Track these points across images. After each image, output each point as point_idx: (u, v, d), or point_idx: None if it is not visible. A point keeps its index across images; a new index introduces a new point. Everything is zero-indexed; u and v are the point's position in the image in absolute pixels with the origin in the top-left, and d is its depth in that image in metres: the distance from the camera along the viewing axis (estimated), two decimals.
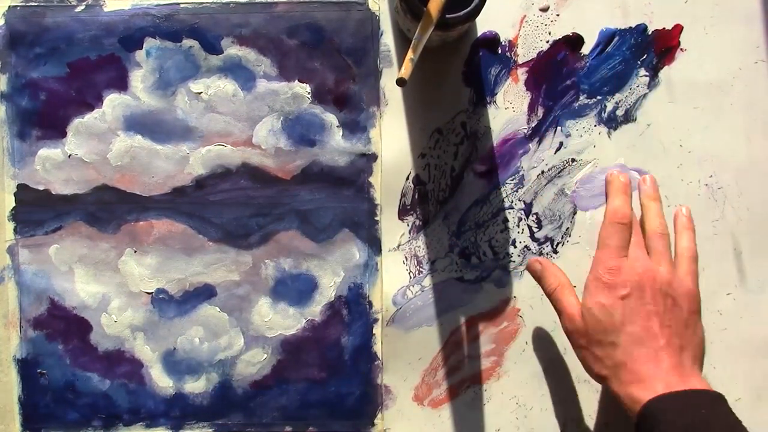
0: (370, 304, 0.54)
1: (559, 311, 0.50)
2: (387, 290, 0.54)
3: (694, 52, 0.54)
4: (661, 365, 0.46)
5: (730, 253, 0.54)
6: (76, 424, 0.53)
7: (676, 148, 0.54)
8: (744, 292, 0.54)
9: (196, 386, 0.54)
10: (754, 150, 0.54)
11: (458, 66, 0.54)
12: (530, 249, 0.54)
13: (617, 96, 0.54)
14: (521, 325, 0.54)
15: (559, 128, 0.54)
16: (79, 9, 0.53)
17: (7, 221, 0.53)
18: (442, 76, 0.54)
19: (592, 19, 0.54)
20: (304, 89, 0.54)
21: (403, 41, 0.54)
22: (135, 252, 0.54)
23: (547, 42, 0.54)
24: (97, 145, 0.53)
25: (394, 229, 0.54)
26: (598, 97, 0.54)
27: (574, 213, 0.54)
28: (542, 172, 0.54)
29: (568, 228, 0.54)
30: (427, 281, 0.54)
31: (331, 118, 0.54)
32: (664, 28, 0.54)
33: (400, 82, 0.44)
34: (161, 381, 0.54)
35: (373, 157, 0.54)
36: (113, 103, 0.53)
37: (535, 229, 0.54)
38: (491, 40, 0.54)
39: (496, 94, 0.54)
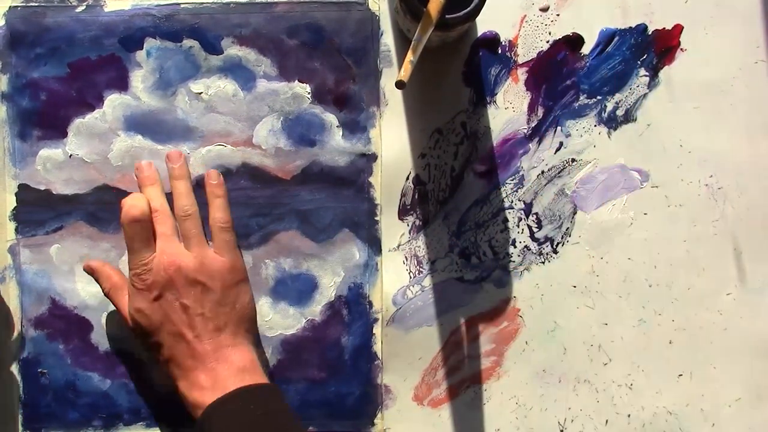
0: (370, 304, 0.54)
1: (119, 313, 0.51)
2: (387, 290, 0.54)
3: (694, 52, 0.54)
4: (202, 359, 0.47)
5: (730, 253, 0.54)
6: (77, 423, 0.54)
7: (676, 148, 0.54)
8: (744, 292, 0.54)
9: None
10: (754, 150, 0.54)
11: (458, 66, 0.54)
12: (530, 249, 0.54)
13: (617, 96, 0.54)
14: (521, 325, 0.55)
15: (559, 128, 0.54)
16: (79, 9, 0.53)
17: (8, 221, 0.53)
18: (442, 76, 0.54)
19: (592, 19, 0.54)
20: (304, 89, 0.54)
21: (403, 41, 0.54)
22: None
23: (547, 42, 0.54)
24: (98, 145, 0.54)
25: (394, 229, 0.54)
26: (598, 97, 0.54)
27: (574, 213, 0.54)
28: (542, 172, 0.54)
29: (568, 228, 0.54)
30: (427, 281, 0.54)
31: (331, 118, 0.54)
32: (664, 28, 0.54)
33: (399, 84, 0.44)
34: (162, 380, 0.54)
35: (373, 157, 0.54)
36: (114, 103, 0.53)
37: (535, 229, 0.54)
38: (491, 40, 0.54)
39: (496, 94, 0.54)
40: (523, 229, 0.54)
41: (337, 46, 0.53)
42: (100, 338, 0.54)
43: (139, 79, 0.53)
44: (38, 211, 0.53)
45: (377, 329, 0.54)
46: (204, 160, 0.54)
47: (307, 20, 0.53)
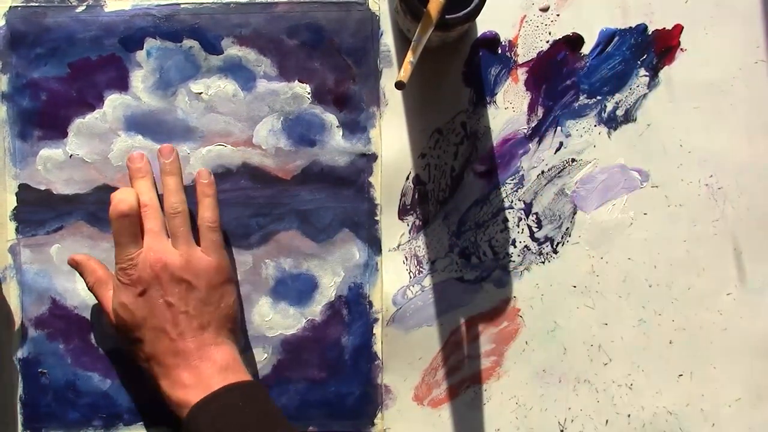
0: (370, 303, 0.54)
1: (103, 307, 0.50)
2: (387, 290, 0.54)
3: (694, 52, 0.54)
4: (185, 357, 0.47)
5: (730, 253, 0.54)
6: (77, 423, 0.54)
7: (676, 148, 0.54)
8: (744, 292, 0.54)
9: None
10: (754, 150, 0.54)
11: (458, 66, 0.54)
12: (530, 249, 0.54)
13: (617, 96, 0.54)
14: (521, 325, 0.55)
15: (559, 128, 0.54)
16: (79, 9, 0.53)
17: (8, 221, 0.53)
18: (441, 77, 0.54)
19: (592, 19, 0.54)
20: (304, 89, 0.54)
21: (403, 41, 0.54)
22: None
23: (547, 42, 0.54)
24: (98, 145, 0.54)
25: (394, 229, 0.54)
26: (598, 97, 0.54)
27: (574, 213, 0.54)
28: (542, 172, 0.54)
29: (568, 228, 0.54)
30: (427, 281, 0.54)
31: (331, 118, 0.54)
32: (664, 28, 0.54)
33: (399, 85, 0.44)
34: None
35: (373, 157, 0.54)
36: (114, 103, 0.54)
37: (535, 229, 0.54)
38: (491, 40, 0.54)
39: (496, 94, 0.54)
40: (523, 229, 0.54)
41: (337, 46, 0.54)
42: (100, 338, 0.54)
43: (140, 79, 0.53)
44: (39, 211, 0.54)
45: (377, 329, 0.54)
46: (204, 160, 0.54)
47: (307, 20, 0.53)
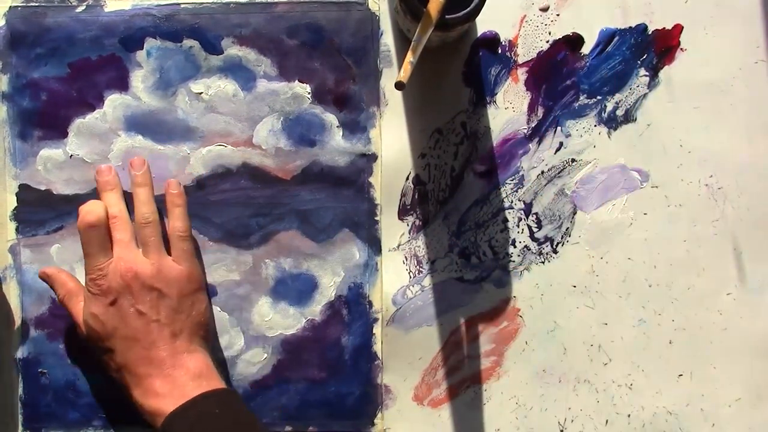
0: (370, 303, 0.54)
1: (74, 319, 0.50)
2: (387, 290, 0.54)
3: (694, 52, 0.54)
4: (158, 365, 0.47)
5: (730, 253, 0.54)
6: (77, 423, 0.54)
7: (676, 148, 0.54)
8: (744, 292, 0.54)
9: None
10: (754, 150, 0.54)
11: (458, 66, 0.54)
12: (530, 249, 0.54)
13: (617, 96, 0.54)
14: (521, 325, 0.55)
15: (559, 128, 0.54)
16: (79, 9, 0.53)
17: (8, 221, 0.53)
18: (441, 77, 0.54)
19: (592, 19, 0.54)
20: (304, 89, 0.54)
21: (403, 41, 0.54)
22: None
23: (547, 42, 0.54)
24: (98, 145, 0.54)
25: (394, 229, 0.54)
26: (598, 97, 0.54)
27: (574, 213, 0.54)
28: (542, 172, 0.54)
29: (567, 228, 0.54)
30: (427, 281, 0.54)
31: (331, 118, 0.54)
32: (664, 28, 0.54)
33: (399, 86, 0.44)
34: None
35: (373, 157, 0.54)
36: (114, 103, 0.54)
37: (534, 229, 0.54)
38: (491, 40, 0.54)
39: (496, 94, 0.54)
40: (523, 229, 0.54)
41: (337, 46, 0.54)
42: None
43: (140, 79, 0.53)
44: (39, 211, 0.54)
45: (377, 329, 0.54)
46: (204, 160, 0.54)
47: (307, 20, 0.53)
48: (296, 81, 0.54)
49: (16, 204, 0.53)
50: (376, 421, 0.54)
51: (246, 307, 0.54)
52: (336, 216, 0.54)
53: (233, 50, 0.54)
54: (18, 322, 0.54)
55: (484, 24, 0.54)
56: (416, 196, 0.54)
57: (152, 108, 0.54)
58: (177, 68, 0.53)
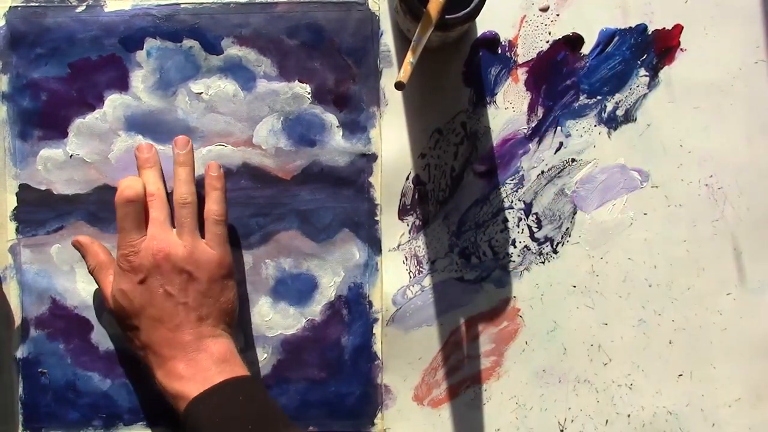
0: (370, 303, 0.54)
1: (102, 292, 0.50)
2: (387, 290, 0.54)
3: (694, 52, 0.54)
4: (182, 348, 0.47)
5: (730, 253, 0.54)
6: (77, 423, 0.54)
7: (676, 148, 0.54)
8: (744, 292, 0.54)
9: None
10: (754, 150, 0.54)
11: (458, 66, 0.54)
12: (530, 249, 0.54)
13: (617, 96, 0.54)
14: (521, 325, 0.55)
15: (559, 128, 0.54)
16: (79, 9, 0.53)
17: (8, 221, 0.53)
18: (442, 77, 0.54)
19: (592, 19, 0.54)
20: (304, 89, 0.54)
21: (403, 41, 0.54)
22: None
23: (547, 42, 0.54)
24: (99, 145, 0.54)
25: (394, 229, 0.54)
26: (598, 97, 0.54)
27: (574, 213, 0.54)
28: (542, 172, 0.54)
29: (568, 228, 0.54)
30: (427, 281, 0.54)
31: (331, 118, 0.54)
32: (664, 28, 0.54)
33: (399, 86, 0.44)
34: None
35: (373, 157, 0.54)
36: (114, 103, 0.54)
37: (534, 229, 0.54)
38: (491, 40, 0.54)
39: (496, 94, 0.54)
40: (523, 229, 0.54)
41: (337, 46, 0.54)
42: (100, 338, 0.54)
43: (140, 79, 0.54)
44: (39, 211, 0.54)
45: (377, 329, 0.54)
46: (204, 160, 0.54)
47: (307, 20, 0.53)
48: (296, 81, 0.54)
49: (16, 204, 0.53)
50: (376, 421, 0.54)
51: (246, 307, 0.54)
52: (336, 216, 0.54)
53: (233, 50, 0.54)
54: (18, 322, 0.54)
55: (484, 24, 0.54)
56: (416, 196, 0.54)
57: (152, 108, 0.54)
58: (177, 68, 0.53)
